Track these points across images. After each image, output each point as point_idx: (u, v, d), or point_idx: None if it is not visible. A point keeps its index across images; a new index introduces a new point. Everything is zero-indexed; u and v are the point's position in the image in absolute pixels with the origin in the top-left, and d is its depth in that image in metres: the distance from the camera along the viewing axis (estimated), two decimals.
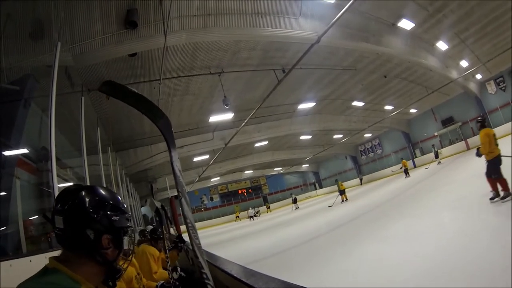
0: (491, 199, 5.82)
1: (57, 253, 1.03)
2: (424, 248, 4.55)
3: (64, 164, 4.80)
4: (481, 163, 6.17)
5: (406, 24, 11.40)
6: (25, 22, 4.22)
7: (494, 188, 5.86)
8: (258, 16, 8.27)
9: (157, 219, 4.77)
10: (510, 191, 5.57)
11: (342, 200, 17.84)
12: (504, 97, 20.60)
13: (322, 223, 9.95)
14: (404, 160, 22.84)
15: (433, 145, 24.18)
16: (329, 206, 16.91)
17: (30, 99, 3.91)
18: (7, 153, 3.35)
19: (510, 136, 16.64)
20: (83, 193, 1.06)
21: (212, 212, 37.03)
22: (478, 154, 6.33)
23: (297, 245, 8.09)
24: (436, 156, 22.49)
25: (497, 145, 6.05)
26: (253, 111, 12.42)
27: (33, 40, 4.37)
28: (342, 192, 18.29)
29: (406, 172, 21.14)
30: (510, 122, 18.64)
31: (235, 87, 12.58)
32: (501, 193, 5.72)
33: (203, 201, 37.69)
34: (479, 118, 6.74)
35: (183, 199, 1.73)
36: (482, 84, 21.76)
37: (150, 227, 9.80)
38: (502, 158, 5.99)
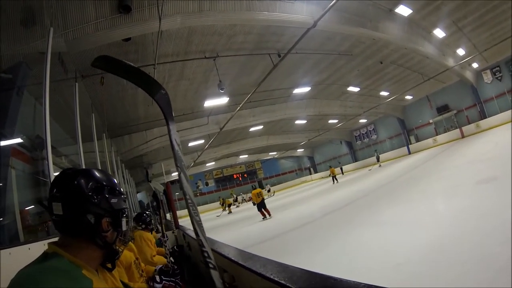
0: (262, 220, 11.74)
1: (55, 239, 1.04)
2: (419, 234, 4.61)
3: (59, 152, 4.77)
4: (475, 151, 6.29)
5: (403, 10, 11.27)
6: (16, 9, 4.09)
7: (263, 214, 11.98)
8: None
9: (154, 204, 4.76)
10: (266, 216, 11.93)
11: (229, 212, 21.96)
12: (500, 86, 20.72)
13: (316, 209, 10.10)
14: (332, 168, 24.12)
15: (375, 150, 28.00)
16: (217, 216, 20.83)
17: (23, 87, 3.82)
18: (1, 143, 3.31)
19: (509, 124, 16.89)
20: (80, 177, 1.06)
21: (207, 197, 37.21)
22: (253, 203, 12.64)
23: (291, 230, 8.23)
24: (378, 159, 26.25)
25: (259, 198, 12.07)
26: (248, 96, 12.33)
27: (25, 27, 4.25)
28: (229, 205, 23.37)
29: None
30: (509, 111, 18.82)
31: (230, 71, 12.47)
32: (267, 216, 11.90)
33: (198, 186, 37.75)
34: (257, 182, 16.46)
35: (182, 174, 1.67)
36: (478, 73, 21.79)
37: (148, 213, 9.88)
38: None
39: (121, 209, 1.14)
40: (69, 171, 1.09)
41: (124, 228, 1.15)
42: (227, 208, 22.94)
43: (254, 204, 12.64)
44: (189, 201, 1.64)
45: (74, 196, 1.03)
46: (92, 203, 1.04)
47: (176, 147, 1.68)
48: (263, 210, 11.98)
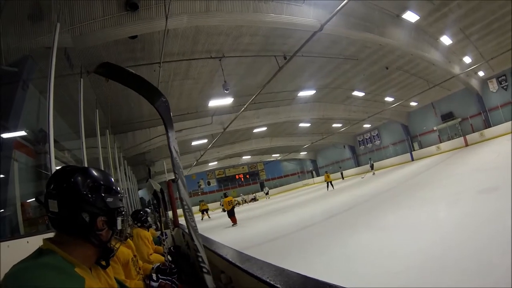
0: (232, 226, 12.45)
1: (51, 235, 1.04)
2: (419, 240, 4.57)
3: (62, 147, 4.79)
4: (478, 160, 6.25)
5: (410, 16, 11.26)
6: (23, 3, 4.14)
7: (233, 221, 12.63)
8: (261, 1, 8.15)
9: (155, 202, 4.74)
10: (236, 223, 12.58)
11: (202, 218, 20.25)
12: (506, 95, 20.57)
13: (316, 212, 10.08)
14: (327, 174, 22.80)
15: (370, 158, 28.24)
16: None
17: (28, 81, 3.85)
18: (5, 135, 3.33)
19: (510, 135, 16.77)
20: (77, 175, 1.06)
21: (209, 196, 37.21)
22: (224, 210, 13.56)
23: (292, 232, 8.20)
24: (372, 167, 26.35)
25: (229, 205, 12.79)
26: (253, 97, 12.36)
27: (32, 21, 4.29)
28: (204, 211, 21.13)
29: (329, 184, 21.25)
30: (510, 122, 18.73)
31: (235, 72, 12.51)
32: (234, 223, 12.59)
33: (200, 185, 37.82)
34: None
35: (179, 181, 1.68)
36: (484, 82, 21.67)
37: (148, 210, 9.90)
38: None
39: (116, 208, 1.14)
40: (67, 169, 1.09)
41: (119, 227, 1.15)
42: (201, 214, 20.75)
43: (224, 211, 13.79)
44: (186, 207, 1.67)
45: (70, 194, 1.03)
46: (87, 202, 1.05)
47: (175, 154, 1.70)
48: (232, 217, 12.82)
